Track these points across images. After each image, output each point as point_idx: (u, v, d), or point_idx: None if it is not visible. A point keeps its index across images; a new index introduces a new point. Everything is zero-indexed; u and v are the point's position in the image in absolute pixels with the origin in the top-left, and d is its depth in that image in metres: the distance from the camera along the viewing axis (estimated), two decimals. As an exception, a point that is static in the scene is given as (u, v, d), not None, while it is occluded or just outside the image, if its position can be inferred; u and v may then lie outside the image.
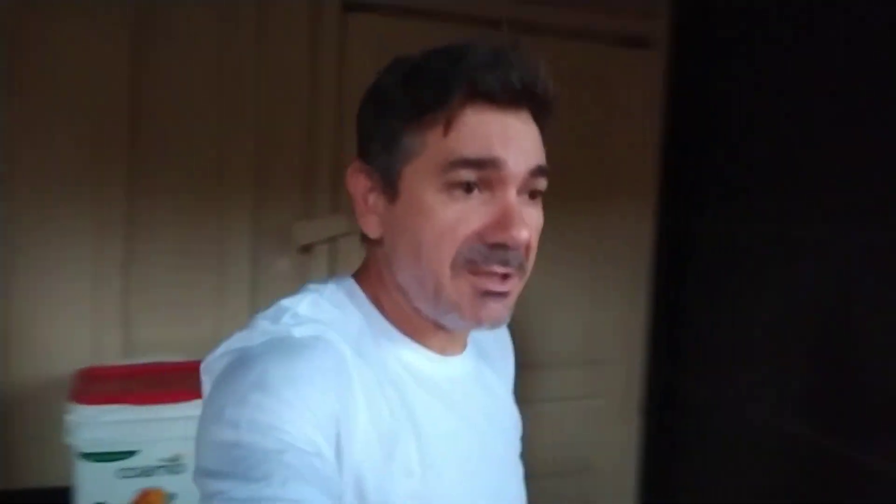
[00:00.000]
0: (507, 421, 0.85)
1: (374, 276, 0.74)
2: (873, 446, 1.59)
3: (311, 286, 0.73)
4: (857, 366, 1.66)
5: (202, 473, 0.57)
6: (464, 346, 0.78)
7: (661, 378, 2.36)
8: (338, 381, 0.62)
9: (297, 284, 2.26)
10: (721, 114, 2.16)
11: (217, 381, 0.63)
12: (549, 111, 0.70)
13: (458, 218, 0.65)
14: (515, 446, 0.86)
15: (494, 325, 0.69)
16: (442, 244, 0.65)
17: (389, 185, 0.68)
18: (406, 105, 0.66)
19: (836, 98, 1.74)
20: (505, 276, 0.66)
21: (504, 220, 0.64)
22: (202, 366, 0.69)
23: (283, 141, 1.95)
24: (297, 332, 0.65)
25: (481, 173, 0.64)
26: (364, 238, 0.74)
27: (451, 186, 0.65)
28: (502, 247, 0.65)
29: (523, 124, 0.67)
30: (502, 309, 0.68)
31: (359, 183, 0.71)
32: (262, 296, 1.99)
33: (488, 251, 0.65)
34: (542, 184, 0.69)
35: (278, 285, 2.00)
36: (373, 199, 0.70)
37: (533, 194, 0.69)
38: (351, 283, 0.74)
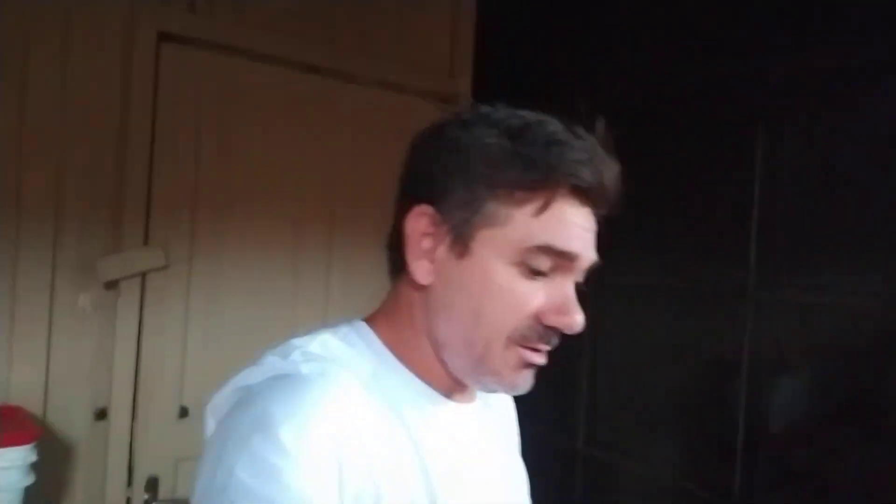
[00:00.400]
0: (517, 476, 0.85)
1: (403, 316, 0.72)
2: (620, 450, 1.91)
3: (323, 328, 0.72)
4: (614, 389, 1.95)
5: None
6: (475, 396, 0.78)
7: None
8: (342, 420, 0.61)
9: (101, 322, 2.11)
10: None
11: (220, 420, 0.63)
12: (611, 210, 0.72)
13: (524, 294, 0.66)
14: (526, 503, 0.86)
15: (523, 391, 0.71)
16: (504, 317, 0.66)
17: (459, 242, 0.68)
18: (499, 176, 0.66)
19: (630, 146, 1.94)
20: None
21: (564, 308, 0.67)
22: (207, 406, 0.67)
23: (90, 169, 1.87)
24: (306, 368, 0.64)
25: (557, 262, 0.67)
26: (395, 274, 0.74)
27: (525, 266, 0.66)
28: (556, 330, 0.68)
29: (593, 218, 0.70)
30: (532, 377, 0.71)
31: (419, 225, 0.69)
32: (61, 335, 1.84)
33: (543, 331, 0.67)
34: (585, 276, 0.71)
35: (80, 324, 1.86)
36: (428, 244, 0.69)
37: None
38: (363, 326, 0.73)
